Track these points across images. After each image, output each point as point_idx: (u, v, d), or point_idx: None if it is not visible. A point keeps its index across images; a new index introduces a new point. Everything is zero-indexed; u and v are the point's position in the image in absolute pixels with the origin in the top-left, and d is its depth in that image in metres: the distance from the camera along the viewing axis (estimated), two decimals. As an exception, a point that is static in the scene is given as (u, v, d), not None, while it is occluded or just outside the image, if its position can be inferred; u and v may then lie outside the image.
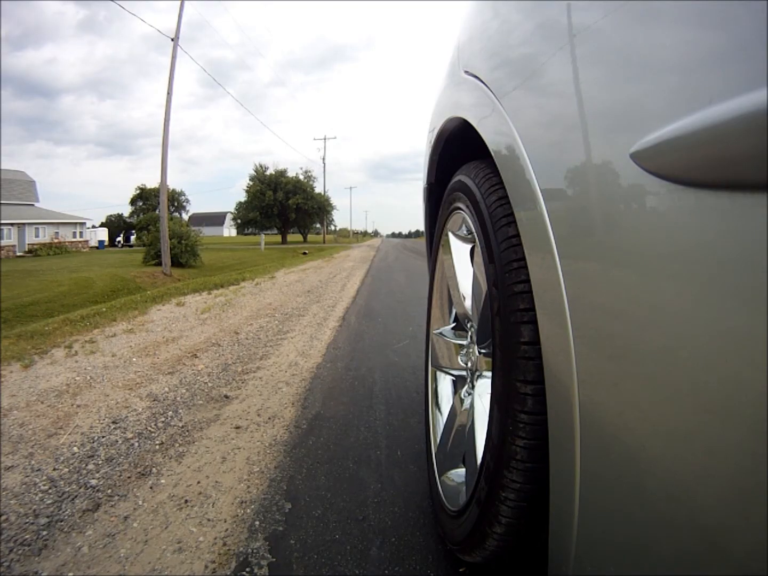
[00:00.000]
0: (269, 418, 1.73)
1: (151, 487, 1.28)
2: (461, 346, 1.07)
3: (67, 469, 1.38)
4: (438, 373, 1.20)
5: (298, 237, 44.05)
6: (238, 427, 1.66)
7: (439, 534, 0.97)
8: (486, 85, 0.74)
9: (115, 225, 49.15)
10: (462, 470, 0.92)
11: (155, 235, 15.35)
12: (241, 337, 3.05)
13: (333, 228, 55.21)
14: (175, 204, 50.23)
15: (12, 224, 29.55)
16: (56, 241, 31.79)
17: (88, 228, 38.55)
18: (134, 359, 2.52)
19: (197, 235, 16.23)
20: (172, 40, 11.92)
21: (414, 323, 3.38)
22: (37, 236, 31.07)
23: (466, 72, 0.89)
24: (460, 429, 0.94)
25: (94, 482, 1.31)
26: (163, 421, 1.72)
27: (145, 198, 49.09)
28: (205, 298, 4.82)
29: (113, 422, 1.71)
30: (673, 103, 0.34)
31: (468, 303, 0.97)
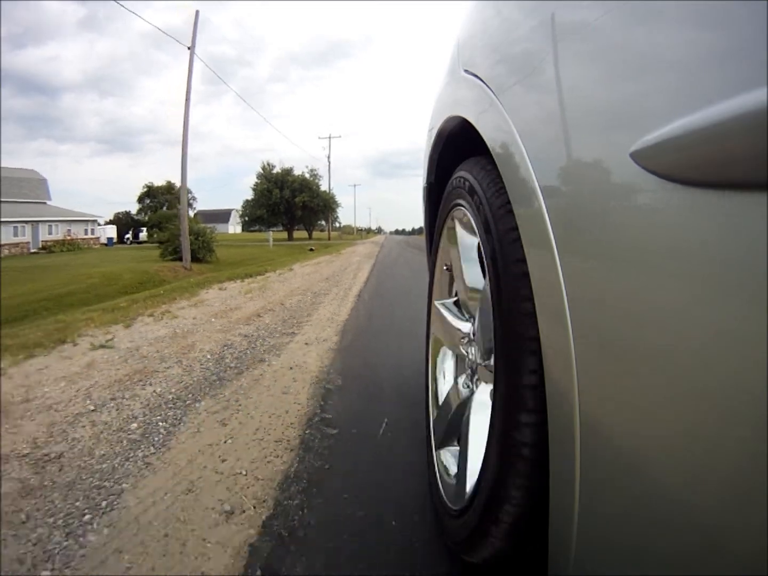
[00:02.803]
0: (324, 340, 2.88)
1: (267, 365, 2.34)
2: (461, 353, 1.04)
3: (211, 363, 2.39)
4: (441, 348, 1.21)
5: (304, 234, 44.90)
6: (306, 344, 2.80)
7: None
8: (486, 84, 0.75)
9: (123, 222, 50.01)
10: (456, 448, 0.95)
11: (173, 232, 16.16)
12: (287, 306, 3.97)
13: (338, 225, 56.21)
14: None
15: (26, 222, 30.57)
16: (69, 238, 32.71)
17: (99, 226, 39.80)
18: (212, 320, 3.39)
19: (212, 232, 17.18)
20: (189, 48, 12.79)
21: (411, 301, 4.30)
22: (50, 233, 31.95)
23: (465, 71, 0.89)
24: (458, 413, 0.95)
25: (233, 365, 2.35)
26: (259, 343, 2.80)
27: (152, 196, 49.96)
28: (241, 284, 5.64)
29: (225, 346, 2.72)
30: (673, 102, 0.35)
31: (468, 298, 0.97)
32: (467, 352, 0.95)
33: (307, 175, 41.03)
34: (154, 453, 1.41)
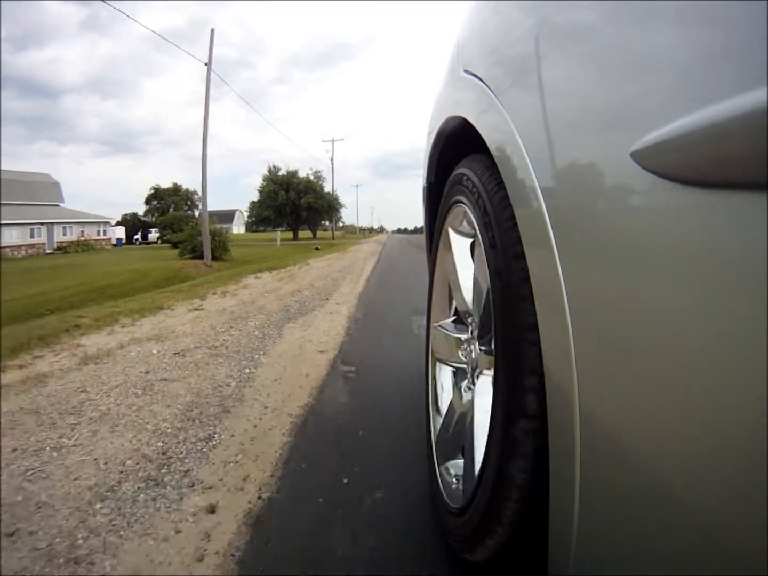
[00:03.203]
0: (347, 302, 4.38)
1: (316, 312, 3.90)
2: (461, 341, 1.04)
3: (282, 313, 3.82)
4: (438, 365, 1.20)
5: (308, 233, 46.33)
6: (337, 303, 4.39)
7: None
8: (486, 84, 0.75)
9: (130, 223, 51.28)
10: (461, 461, 0.92)
11: (190, 232, 17.67)
12: (316, 287, 5.54)
13: (341, 224, 57.60)
14: (188, 203, 52.80)
15: (42, 223, 31.89)
16: (83, 239, 34.02)
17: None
18: (265, 294, 4.86)
19: (227, 232, 18.46)
20: (206, 65, 13.85)
21: (408, 284, 5.89)
22: (64, 234, 33.28)
23: (465, 71, 0.89)
24: (460, 420, 0.95)
25: (296, 312, 3.86)
26: (306, 303, 4.34)
27: (159, 197, 51.14)
28: (271, 275, 7.09)
29: (285, 306, 4.18)
30: (673, 102, 0.35)
31: (468, 298, 0.97)
32: (467, 353, 0.96)
33: (311, 177, 42.32)
34: (274, 341, 2.88)
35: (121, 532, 1.05)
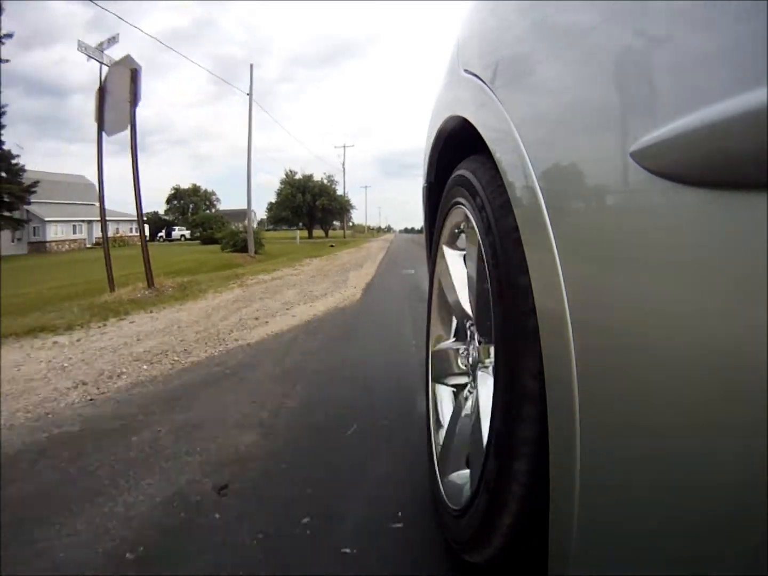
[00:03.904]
0: (368, 273, 7.37)
1: (354, 271, 7.58)
2: (461, 351, 1.01)
3: (341, 271, 7.55)
4: (438, 386, 1.14)
5: (320, 232, 48.87)
6: (368, 269, 7.88)
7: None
8: (486, 84, 0.73)
9: (152, 221, 54.64)
10: (466, 471, 0.87)
11: (230, 230, 20.33)
12: (351, 263, 9.14)
13: (351, 224, 60.84)
14: (207, 202, 54.75)
15: (83, 221, 34.86)
16: (119, 235, 37.18)
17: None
18: (324, 266, 8.59)
19: (261, 229, 21.47)
20: (248, 95, 14.83)
21: (405, 262, 9.12)
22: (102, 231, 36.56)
23: (465, 70, 0.87)
24: (462, 430, 0.90)
25: (348, 268, 8.17)
26: (350, 268, 8.15)
27: (179, 197, 53.04)
28: (315, 261, 10.18)
29: (342, 268, 8.19)
30: (673, 102, 0.34)
31: (468, 300, 0.93)
32: (467, 358, 0.94)
33: (325, 181, 44.47)
34: (347, 273, 6.87)
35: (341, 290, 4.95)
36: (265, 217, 51.57)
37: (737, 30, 0.29)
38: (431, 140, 1.20)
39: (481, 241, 0.72)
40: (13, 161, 23.36)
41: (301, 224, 45.57)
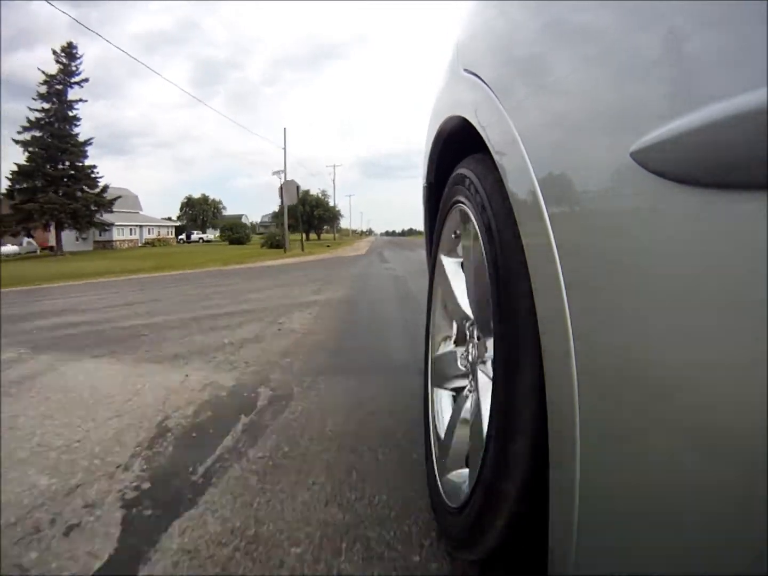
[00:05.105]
0: (363, 253, 14.12)
1: (357, 252, 14.71)
2: (462, 342, 0.96)
3: (366, 252, 14.72)
4: (437, 389, 1.07)
5: (313, 236, 53.94)
6: (361, 252, 14.39)
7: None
8: (486, 84, 0.71)
9: (177, 227, 56.34)
10: (465, 470, 0.82)
11: (270, 232, 25.78)
12: (354, 252, 14.32)
13: (338, 229, 71.89)
14: (214, 210, 57.46)
15: (136, 225, 41.83)
16: (162, 237, 42.76)
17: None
18: (338, 253, 14.28)
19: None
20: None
21: (383, 250, 14.69)
22: (148, 234, 41.28)
23: (465, 70, 0.85)
24: (462, 429, 0.87)
25: (359, 250, 15.32)
26: (352, 252, 14.54)
27: (191, 205, 56.52)
28: (336, 249, 15.77)
29: (354, 250, 14.32)
30: (673, 102, 0.33)
31: (468, 301, 0.90)
32: (467, 359, 0.91)
33: (320, 195, 50.72)
34: (357, 253, 13.37)
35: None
36: (258, 221, 58.72)
37: (737, 30, 0.28)
38: (431, 140, 1.15)
39: (482, 240, 0.68)
40: (93, 175, 27.23)
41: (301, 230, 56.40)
